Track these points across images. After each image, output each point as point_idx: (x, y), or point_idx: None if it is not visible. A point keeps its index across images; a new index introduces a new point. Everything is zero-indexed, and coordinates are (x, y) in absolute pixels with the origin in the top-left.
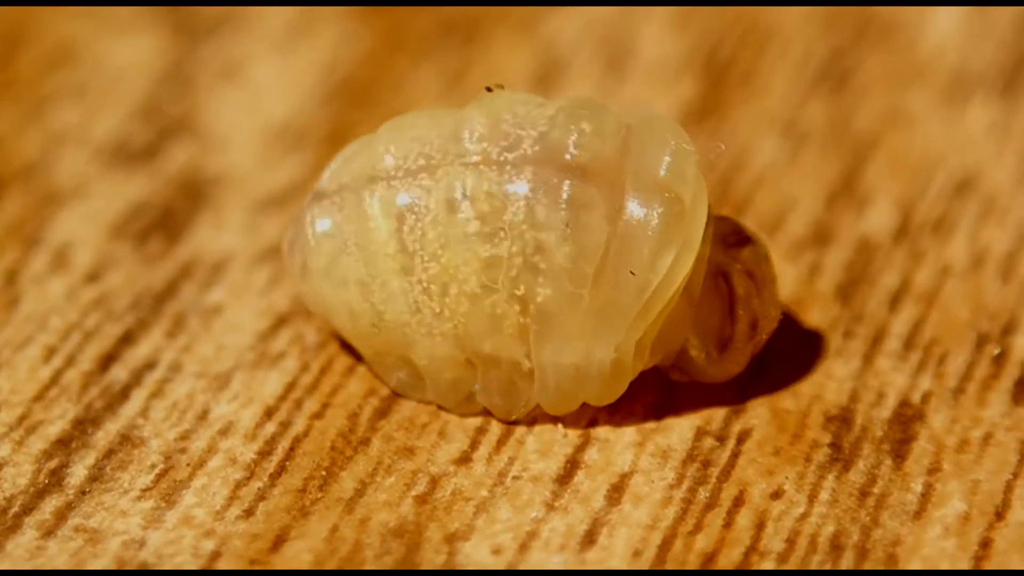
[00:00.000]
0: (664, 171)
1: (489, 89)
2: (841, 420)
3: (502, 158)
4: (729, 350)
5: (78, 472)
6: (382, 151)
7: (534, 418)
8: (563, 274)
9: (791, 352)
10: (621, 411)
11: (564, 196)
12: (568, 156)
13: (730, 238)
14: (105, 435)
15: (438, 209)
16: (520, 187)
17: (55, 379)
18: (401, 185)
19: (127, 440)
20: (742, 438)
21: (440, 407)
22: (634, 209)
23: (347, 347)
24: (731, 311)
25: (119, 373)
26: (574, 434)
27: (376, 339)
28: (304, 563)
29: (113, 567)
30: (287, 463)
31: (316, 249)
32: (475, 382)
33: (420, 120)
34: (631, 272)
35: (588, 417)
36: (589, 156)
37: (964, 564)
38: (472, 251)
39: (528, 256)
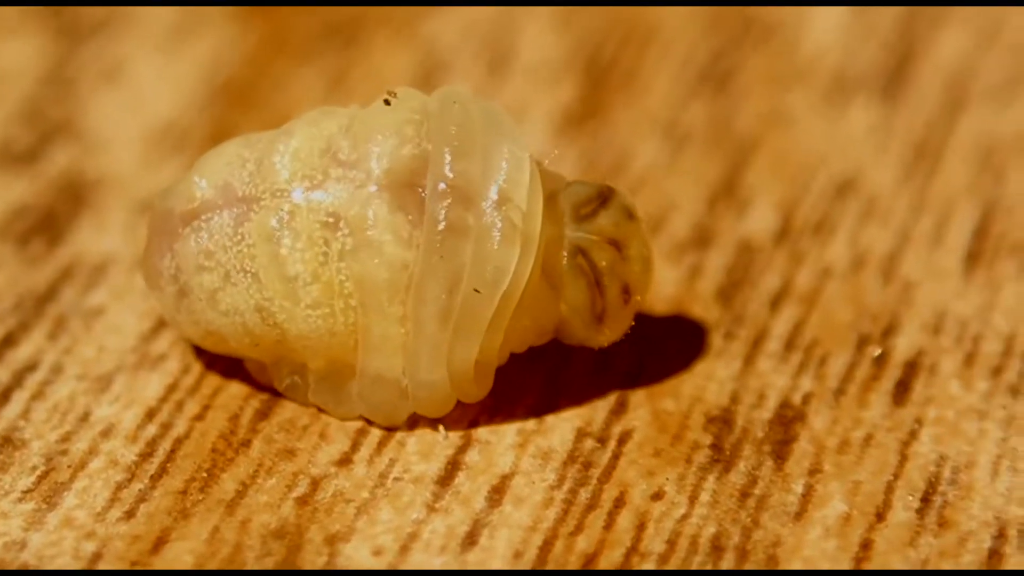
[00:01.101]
0: (502, 184)
1: (387, 102)
2: (722, 421)
3: (366, 182)
4: (606, 320)
5: None
6: (239, 167)
7: (415, 420)
8: (428, 300)
9: (672, 353)
10: (502, 412)
11: (441, 223)
12: (436, 179)
13: (582, 209)
14: None
15: (310, 230)
16: (384, 208)
17: None
18: (270, 207)
19: (8, 442)
20: (623, 439)
21: (321, 411)
22: (481, 229)
23: None
24: (597, 285)
25: (0, 375)
26: (455, 436)
27: (278, 349)
28: (185, 565)
29: None
30: (168, 465)
31: (196, 282)
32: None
33: (263, 138)
34: (476, 290)
35: (469, 419)
36: (448, 180)
37: (845, 565)
38: (346, 274)
39: (399, 277)
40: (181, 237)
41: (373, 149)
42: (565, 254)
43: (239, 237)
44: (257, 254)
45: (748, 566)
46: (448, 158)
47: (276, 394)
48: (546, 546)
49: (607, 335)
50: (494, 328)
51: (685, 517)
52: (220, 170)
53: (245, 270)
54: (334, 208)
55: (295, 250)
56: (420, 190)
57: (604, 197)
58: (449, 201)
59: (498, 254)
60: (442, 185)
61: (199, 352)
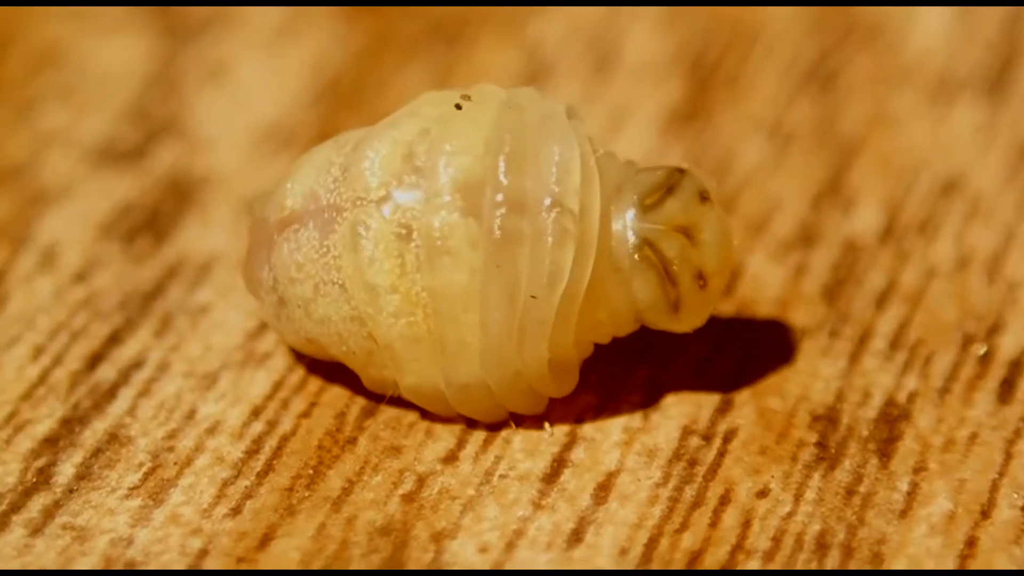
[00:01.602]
0: (554, 188)
1: (458, 106)
2: (827, 419)
3: (435, 192)
4: (683, 309)
5: (66, 470)
6: (325, 173)
7: (521, 417)
8: (491, 308)
9: (777, 351)
10: (608, 410)
11: (497, 232)
12: (495, 189)
13: (647, 199)
14: (93, 434)
15: (387, 240)
16: (454, 218)
17: (43, 378)
18: (351, 217)
19: (115, 439)
20: (728, 437)
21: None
22: (535, 235)
23: None
24: (667, 274)
25: (107, 372)
26: (560, 433)
27: (374, 359)
28: (291, 561)
29: (101, 566)
30: (274, 462)
31: (292, 292)
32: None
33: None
34: (532, 296)
35: (574, 416)
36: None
37: (950, 563)
38: (421, 284)
39: (469, 286)
40: (276, 247)
41: (442, 158)
42: (631, 247)
43: (325, 249)
44: (343, 265)
45: (853, 564)
46: (502, 167)
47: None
48: (651, 543)
49: (688, 322)
50: (561, 328)
51: (790, 515)
52: (308, 176)
53: (332, 281)
54: (407, 218)
55: (374, 260)
56: (477, 202)
57: (672, 183)
58: (504, 210)
59: (552, 259)
60: (498, 195)
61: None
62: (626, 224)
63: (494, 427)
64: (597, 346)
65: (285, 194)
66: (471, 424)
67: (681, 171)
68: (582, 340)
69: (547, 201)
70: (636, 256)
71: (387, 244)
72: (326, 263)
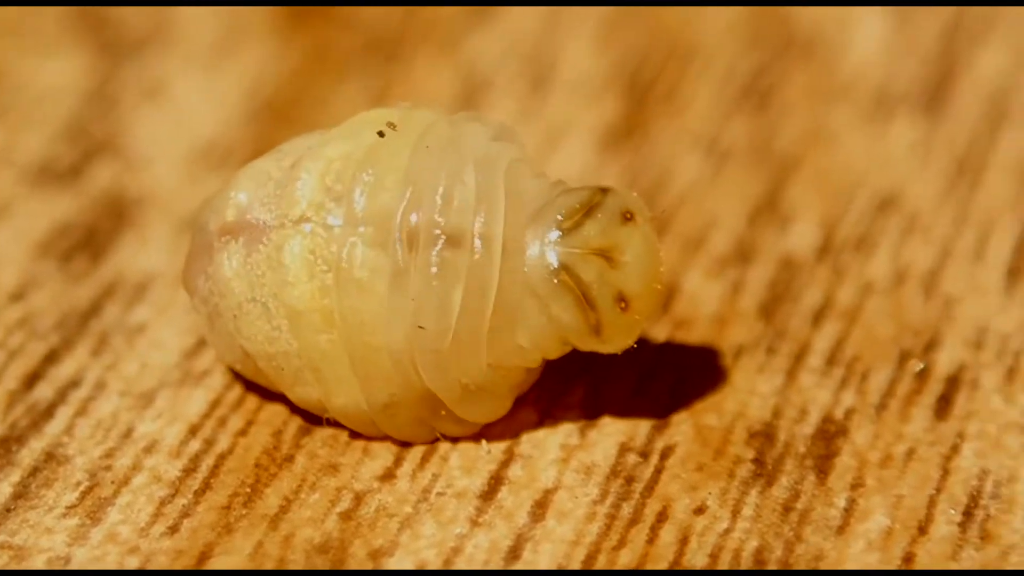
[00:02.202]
0: (448, 216)
1: (381, 134)
2: (764, 436)
3: (345, 219)
4: (605, 332)
5: (3, 490)
6: (262, 186)
7: (457, 437)
8: (391, 335)
9: (714, 368)
10: (545, 427)
11: (398, 262)
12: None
13: (565, 222)
14: (30, 453)
15: (303, 263)
16: (360, 247)
17: None
18: (277, 237)
19: (52, 458)
20: (666, 454)
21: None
22: (420, 265)
23: None
24: (587, 299)
25: (44, 391)
26: (498, 450)
27: (299, 377)
28: None
29: None
30: (212, 480)
31: (224, 305)
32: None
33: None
34: (420, 327)
35: (512, 433)
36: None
37: None
38: (331, 309)
39: (377, 313)
40: (213, 257)
41: (358, 187)
42: (548, 272)
43: (249, 266)
44: (266, 283)
45: None
46: (406, 201)
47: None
48: (589, 560)
49: (613, 345)
50: (467, 356)
51: (728, 531)
52: (247, 187)
53: (256, 299)
54: (320, 244)
55: (293, 282)
56: (388, 232)
57: (592, 204)
58: (403, 244)
59: (439, 291)
60: (401, 230)
61: (237, 375)
62: (543, 249)
63: (431, 444)
64: None
65: (226, 203)
66: (407, 442)
67: (604, 191)
68: (504, 366)
69: (437, 232)
70: (554, 281)
71: (304, 267)
72: (251, 281)
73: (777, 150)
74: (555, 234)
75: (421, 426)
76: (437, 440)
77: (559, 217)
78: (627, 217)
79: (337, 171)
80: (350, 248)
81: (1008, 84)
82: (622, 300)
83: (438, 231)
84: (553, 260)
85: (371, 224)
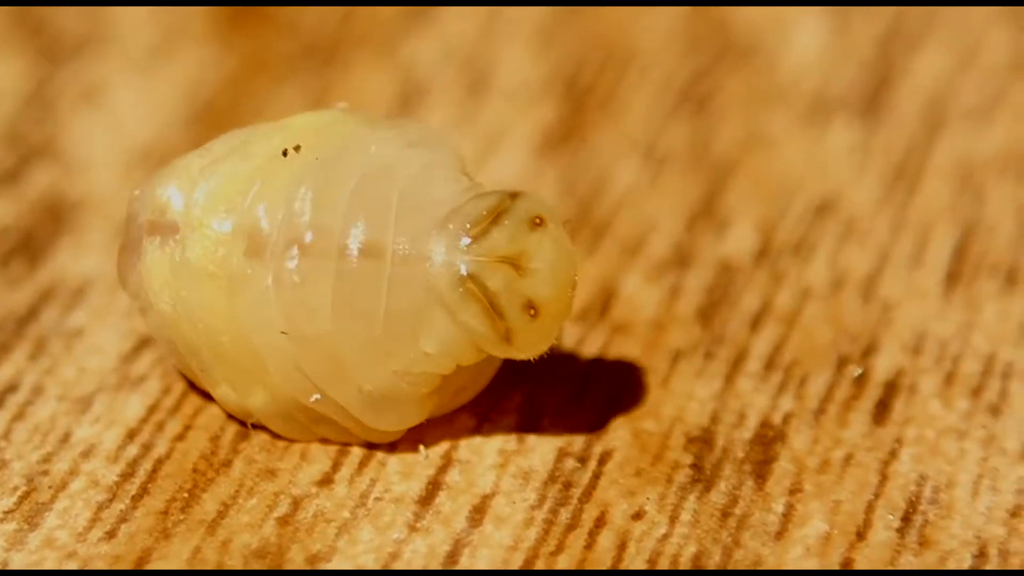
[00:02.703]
0: (311, 224)
1: (285, 153)
2: (702, 441)
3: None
4: (515, 340)
5: None
6: (185, 184)
7: (395, 442)
8: (270, 345)
9: (652, 373)
10: (482, 432)
11: (268, 272)
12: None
13: (472, 230)
14: None
15: (199, 267)
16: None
17: None
18: (174, 242)
19: None
20: (603, 459)
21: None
22: (305, 274)
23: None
24: (494, 307)
25: None
26: (436, 455)
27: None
28: None
29: None
30: (149, 485)
31: (150, 300)
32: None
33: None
34: (283, 332)
35: (450, 438)
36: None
37: None
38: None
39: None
40: (141, 252)
41: (247, 199)
42: (453, 281)
43: (163, 264)
44: (176, 283)
45: None
46: (282, 212)
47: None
48: (527, 566)
49: (525, 352)
50: (365, 362)
51: (666, 536)
52: (168, 183)
53: (170, 299)
54: (208, 249)
55: (191, 285)
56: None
57: (500, 210)
58: (281, 254)
59: (305, 298)
60: (279, 240)
61: (180, 373)
62: (448, 256)
63: (370, 449)
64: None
65: (151, 199)
66: (346, 446)
67: (514, 196)
68: (412, 372)
69: (307, 239)
70: (459, 289)
71: (200, 269)
72: (165, 279)
73: (715, 155)
74: (461, 241)
75: (338, 430)
76: (396, 445)
77: (467, 224)
78: (536, 223)
79: (244, 178)
80: (234, 255)
81: (946, 88)
82: (531, 307)
83: (309, 238)
84: (459, 268)
85: (248, 235)
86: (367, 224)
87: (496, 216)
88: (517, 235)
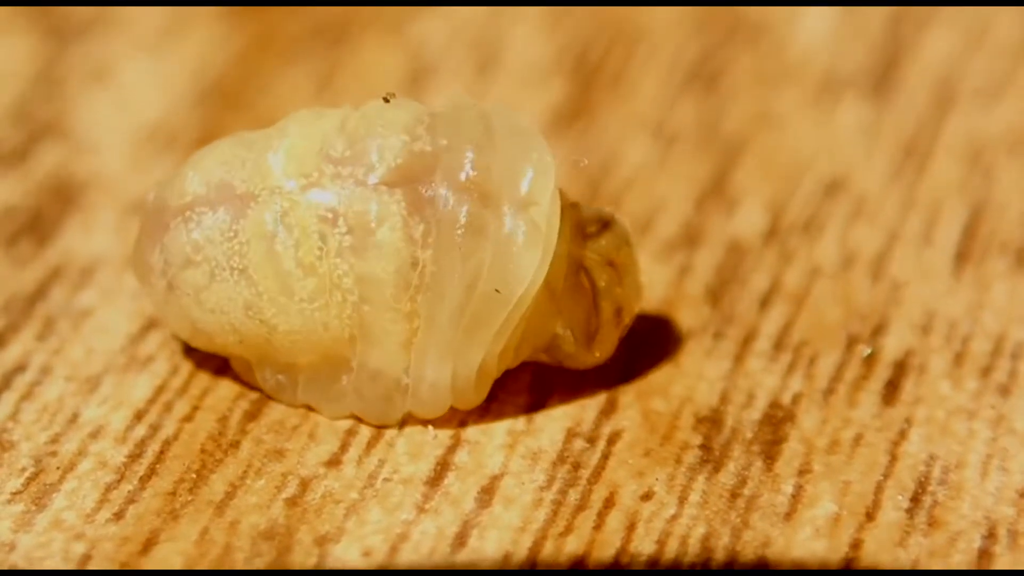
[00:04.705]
0: (526, 187)
1: (386, 99)
2: (711, 421)
3: (369, 178)
4: (597, 339)
5: None
6: (239, 163)
7: (404, 421)
8: (446, 297)
9: (661, 353)
10: (491, 413)
11: (462, 220)
12: (453, 175)
13: (588, 228)
14: None
15: (306, 226)
16: (393, 205)
17: None
18: (266, 204)
19: None
20: (612, 439)
21: (311, 410)
22: (502, 230)
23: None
24: (595, 303)
25: None
26: (444, 436)
27: (265, 348)
28: (174, 566)
29: None
30: (157, 466)
31: (183, 278)
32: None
33: (284, 131)
34: (496, 290)
35: (458, 419)
36: (468, 177)
37: (835, 565)
38: (343, 270)
39: (409, 275)
40: (171, 230)
41: (373, 145)
42: (569, 270)
43: (232, 233)
44: (249, 251)
45: (738, 567)
46: (471, 155)
47: (264, 395)
48: (535, 547)
49: (596, 356)
50: (502, 332)
51: (675, 517)
52: (215, 167)
53: (232, 267)
54: (331, 205)
55: (289, 246)
56: (427, 187)
57: (607, 220)
58: (469, 199)
59: (520, 256)
60: (463, 181)
61: (188, 353)
62: (566, 247)
63: (378, 430)
64: None
65: (187, 181)
66: (355, 427)
67: (612, 214)
68: (504, 354)
69: (521, 197)
70: (572, 280)
71: (306, 228)
72: (230, 248)
73: (724, 134)
74: (577, 236)
75: (392, 401)
76: (405, 423)
77: (582, 223)
78: (628, 242)
79: (323, 138)
80: (375, 206)
81: (955, 67)
82: (619, 314)
83: (516, 194)
84: (576, 260)
85: (396, 182)
86: (550, 194)
87: (605, 224)
88: (621, 247)
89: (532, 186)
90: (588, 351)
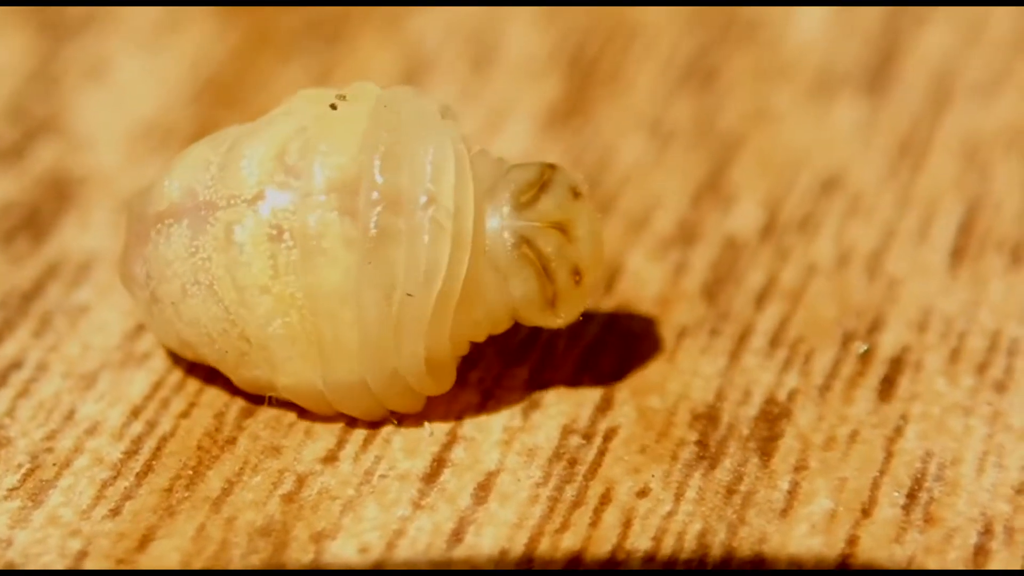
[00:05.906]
0: (429, 186)
1: (333, 107)
2: (707, 418)
3: (312, 189)
4: (559, 304)
5: None
6: (203, 170)
7: (400, 417)
8: (367, 306)
9: (658, 350)
10: (488, 409)
11: (373, 231)
12: (369, 186)
13: (522, 196)
14: None
15: (258, 241)
16: (330, 214)
17: None
18: (223, 217)
19: None
20: (609, 436)
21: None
22: (410, 233)
23: None
24: (545, 271)
25: None
26: (441, 433)
27: (245, 362)
28: (170, 562)
29: None
30: (153, 462)
31: (163, 291)
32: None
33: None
34: (408, 294)
35: (455, 416)
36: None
37: (831, 562)
38: (295, 285)
39: (346, 283)
40: (150, 242)
41: (317, 157)
42: (508, 245)
43: (194, 249)
44: (212, 266)
45: (734, 564)
46: (377, 165)
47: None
48: (532, 543)
49: (563, 318)
50: (437, 326)
51: (671, 514)
52: (186, 173)
53: (199, 282)
54: (280, 218)
55: (246, 261)
56: (353, 199)
57: (544, 180)
58: (380, 208)
59: (427, 256)
60: (374, 194)
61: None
62: (502, 222)
63: (374, 426)
64: (477, 345)
65: (163, 189)
66: (351, 423)
67: (552, 167)
68: (458, 338)
69: (422, 199)
70: (514, 254)
71: (259, 244)
72: (194, 263)
73: (720, 131)
74: (513, 208)
75: (372, 401)
76: (386, 419)
77: (515, 192)
78: (576, 193)
79: (283, 143)
80: (316, 218)
81: (951, 64)
82: (577, 273)
83: (419, 196)
84: (514, 233)
85: (335, 192)
86: (457, 185)
87: (542, 185)
88: (564, 203)
89: (432, 183)
90: (554, 316)
